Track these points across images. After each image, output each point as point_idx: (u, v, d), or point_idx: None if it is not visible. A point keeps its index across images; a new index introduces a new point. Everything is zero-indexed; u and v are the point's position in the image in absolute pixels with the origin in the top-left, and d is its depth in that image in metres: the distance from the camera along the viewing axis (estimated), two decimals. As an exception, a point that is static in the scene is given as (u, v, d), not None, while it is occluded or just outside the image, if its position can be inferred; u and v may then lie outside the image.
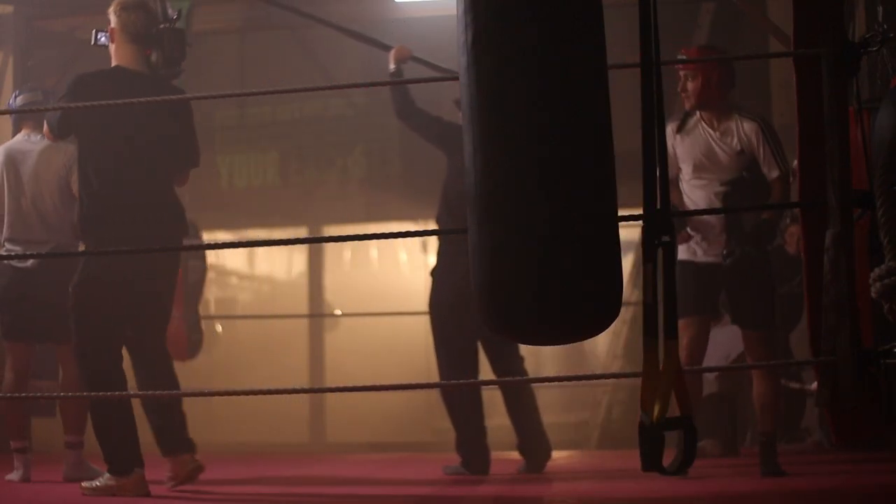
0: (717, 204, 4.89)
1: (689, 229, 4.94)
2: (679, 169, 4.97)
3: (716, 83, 4.88)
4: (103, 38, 4.51)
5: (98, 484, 4.28)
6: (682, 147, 4.96)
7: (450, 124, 5.46)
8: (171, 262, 4.53)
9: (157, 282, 4.41)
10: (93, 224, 4.34)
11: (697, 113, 4.95)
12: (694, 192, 4.95)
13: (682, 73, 4.92)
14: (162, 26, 4.52)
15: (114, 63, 4.49)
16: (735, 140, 4.89)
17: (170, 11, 4.66)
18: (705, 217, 4.89)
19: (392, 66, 5.56)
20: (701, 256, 4.94)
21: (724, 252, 4.85)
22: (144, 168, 4.36)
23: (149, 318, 4.43)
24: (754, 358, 4.92)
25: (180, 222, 4.48)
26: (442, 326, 5.39)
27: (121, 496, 4.24)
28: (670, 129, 4.93)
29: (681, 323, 4.84)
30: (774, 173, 4.86)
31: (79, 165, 4.43)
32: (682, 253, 4.94)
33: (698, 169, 4.93)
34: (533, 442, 5.37)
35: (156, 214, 4.36)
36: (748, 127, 4.89)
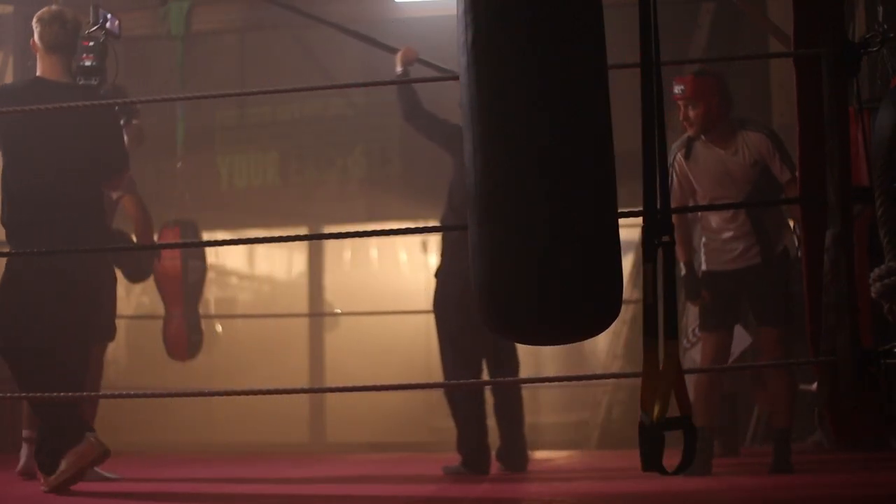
0: (741, 218, 5.03)
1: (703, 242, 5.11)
2: (694, 193, 5.08)
3: (716, 107, 4.99)
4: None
5: (57, 474, 4.26)
6: (696, 173, 5.08)
7: (456, 126, 5.46)
8: (101, 270, 4.58)
9: (81, 287, 4.44)
10: (13, 229, 4.42)
11: (702, 137, 5.04)
12: (715, 213, 5.07)
13: (681, 102, 4.99)
14: (93, 30, 4.59)
15: (37, 73, 4.56)
16: (747, 153, 5.01)
17: (101, 18, 4.73)
18: (729, 229, 5.04)
19: (399, 69, 5.56)
20: (731, 264, 5.06)
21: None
22: (64, 174, 4.40)
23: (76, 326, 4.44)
24: (770, 355, 5.00)
25: (98, 227, 4.53)
26: (447, 326, 5.39)
27: (84, 463, 4.24)
28: (680, 155, 5.08)
29: (705, 336, 4.97)
30: (786, 176, 4.95)
31: (1, 174, 4.51)
32: (705, 263, 5.12)
33: (716, 190, 5.04)
34: (512, 451, 5.39)
35: (73, 220, 4.40)
36: (756, 138, 5.00)
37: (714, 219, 5.11)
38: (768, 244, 5.03)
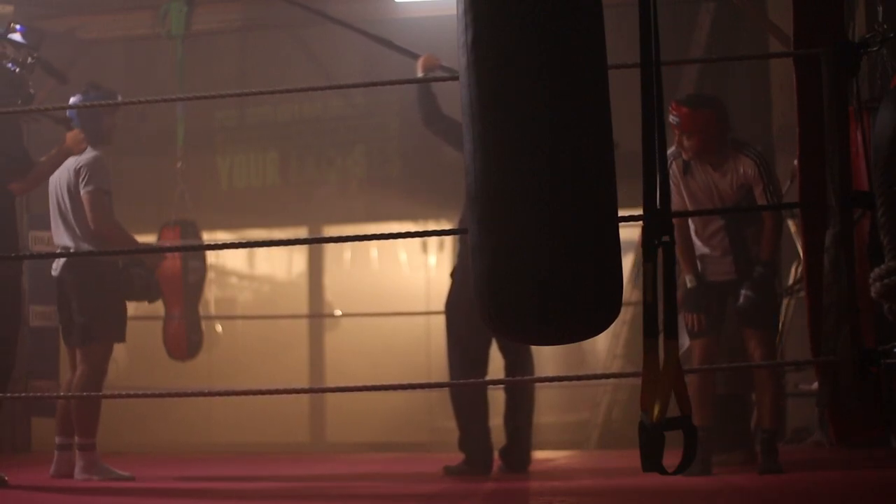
0: (721, 234, 5.14)
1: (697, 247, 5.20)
2: (685, 207, 5.15)
3: (711, 138, 5.05)
4: None
5: None
6: (689, 189, 5.15)
7: None
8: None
9: None
10: None
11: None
12: (697, 225, 5.19)
13: (676, 130, 5.01)
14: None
15: None
16: (735, 177, 5.10)
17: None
18: (710, 244, 5.14)
19: (420, 75, 5.55)
20: (711, 276, 5.16)
21: (741, 297, 5.06)
22: None
23: None
24: (756, 357, 5.02)
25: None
26: (456, 326, 5.40)
27: None
28: (675, 166, 5.14)
29: (696, 343, 5.01)
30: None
31: None
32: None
33: (705, 208, 5.12)
34: (517, 451, 5.39)
35: None
36: (747, 163, 5.08)
37: (696, 236, 5.20)
38: (745, 260, 5.12)
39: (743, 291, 5.05)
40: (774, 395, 5.12)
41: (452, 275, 5.51)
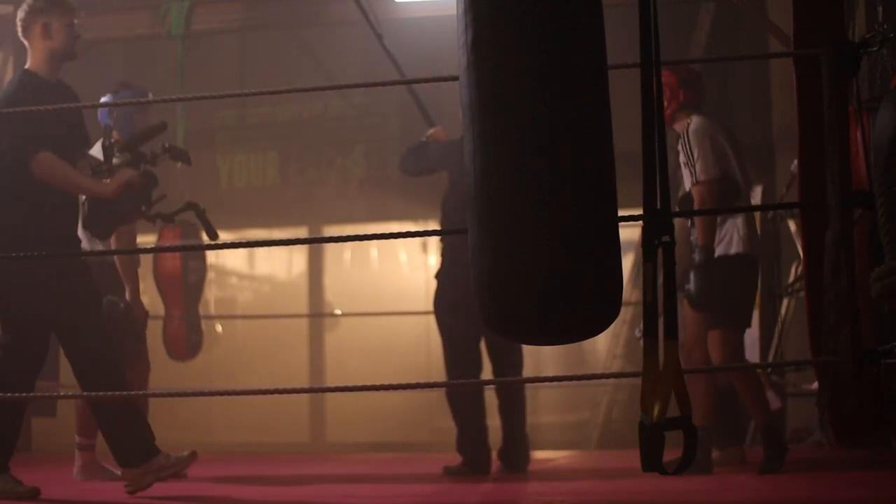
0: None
1: None
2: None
3: (669, 103, 4.89)
4: None
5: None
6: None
7: (450, 143, 5.48)
8: None
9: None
10: None
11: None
12: None
13: None
14: None
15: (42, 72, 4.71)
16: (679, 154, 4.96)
17: None
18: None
19: (423, 140, 5.65)
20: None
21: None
22: None
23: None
24: (714, 351, 4.98)
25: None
26: (446, 327, 5.41)
27: None
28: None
29: (714, 334, 4.95)
30: (688, 184, 4.91)
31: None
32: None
33: None
34: (514, 451, 5.39)
35: None
36: (681, 138, 4.91)
37: None
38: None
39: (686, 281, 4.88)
40: (751, 387, 5.03)
41: (437, 276, 5.53)
